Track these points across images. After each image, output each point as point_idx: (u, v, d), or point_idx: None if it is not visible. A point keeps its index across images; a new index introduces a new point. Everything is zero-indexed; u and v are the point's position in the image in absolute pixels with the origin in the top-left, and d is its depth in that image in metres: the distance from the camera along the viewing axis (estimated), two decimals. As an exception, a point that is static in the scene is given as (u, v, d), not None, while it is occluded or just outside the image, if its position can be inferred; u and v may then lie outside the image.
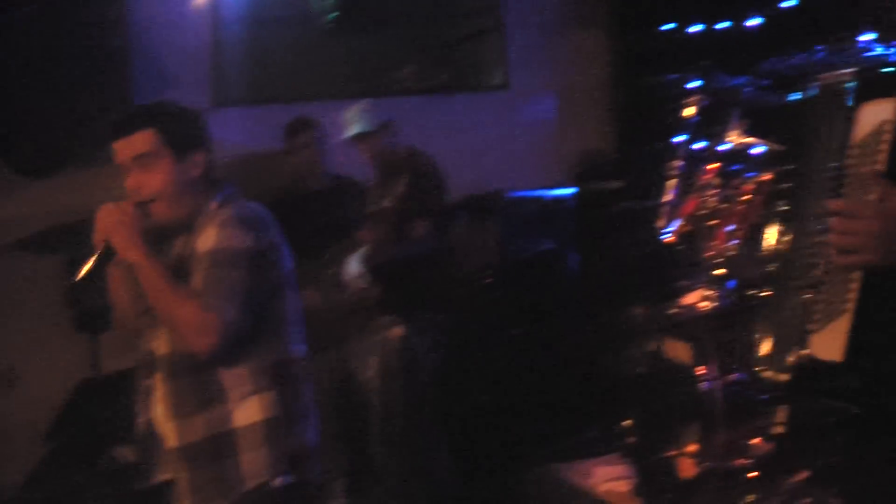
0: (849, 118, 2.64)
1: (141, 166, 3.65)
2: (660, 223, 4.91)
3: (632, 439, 4.85)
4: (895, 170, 2.55)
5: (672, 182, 4.90)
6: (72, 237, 6.69)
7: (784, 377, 2.74)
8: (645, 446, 4.75)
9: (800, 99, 2.85)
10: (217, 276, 3.53)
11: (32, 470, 6.13)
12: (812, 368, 2.66)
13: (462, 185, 8.18)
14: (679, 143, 5.12)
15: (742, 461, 4.22)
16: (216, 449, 3.60)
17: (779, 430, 3.93)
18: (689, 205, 4.77)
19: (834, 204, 2.58)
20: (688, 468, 4.43)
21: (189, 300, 3.49)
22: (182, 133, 3.72)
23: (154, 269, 3.53)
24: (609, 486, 5.39)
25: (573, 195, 8.00)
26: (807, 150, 2.77)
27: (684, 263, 4.92)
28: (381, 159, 6.40)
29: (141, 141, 3.66)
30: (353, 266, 6.41)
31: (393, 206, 6.21)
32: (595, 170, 7.82)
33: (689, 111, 4.87)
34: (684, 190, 4.84)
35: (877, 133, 2.57)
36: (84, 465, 6.11)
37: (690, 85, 4.96)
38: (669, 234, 4.83)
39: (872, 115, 2.59)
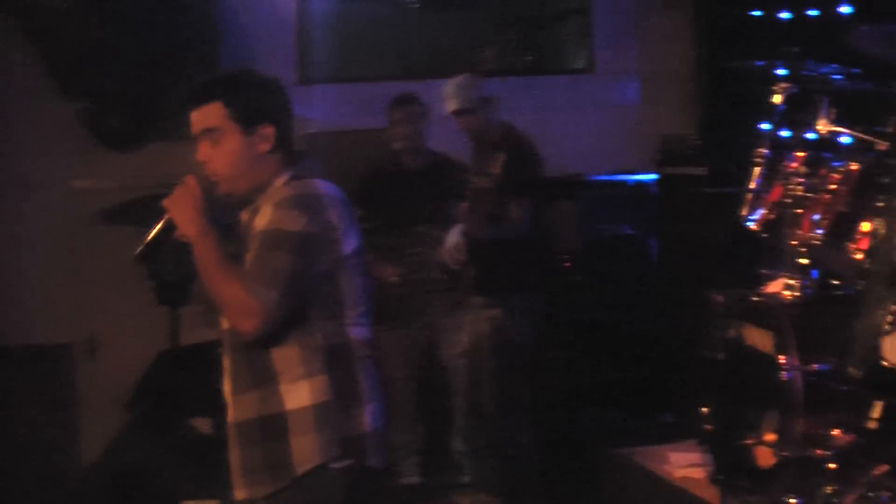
0: None
1: (210, 138, 3.64)
2: (743, 210, 4.86)
3: (709, 426, 4.81)
4: None
5: (757, 169, 4.84)
6: (156, 208, 6.80)
7: (857, 374, 2.73)
8: (722, 433, 4.71)
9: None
10: (264, 258, 3.49)
11: (113, 438, 6.21)
12: (885, 370, 2.64)
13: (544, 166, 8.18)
14: (765, 131, 5.06)
15: (821, 452, 4.17)
16: (267, 430, 3.59)
17: (871, 424, 3.89)
18: (774, 193, 4.72)
19: None
20: (765, 457, 4.38)
21: (235, 281, 3.46)
22: (250, 106, 3.64)
23: (208, 246, 3.51)
24: (684, 472, 5.36)
25: (655, 180, 7.97)
26: None
27: (767, 251, 4.87)
28: (479, 136, 6.36)
29: (209, 112, 3.63)
30: (449, 244, 6.41)
31: (489, 185, 6.20)
32: (678, 155, 7.76)
33: (776, 98, 4.81)
34: (769, 178, 4.79)
35: None
36: (163, 435, 6.18)
37: (778, 72, 4.88)
38: (753, 222, 4.79)
39: None
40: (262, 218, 3.57)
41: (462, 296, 6.54)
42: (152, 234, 3.64)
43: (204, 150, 3.65)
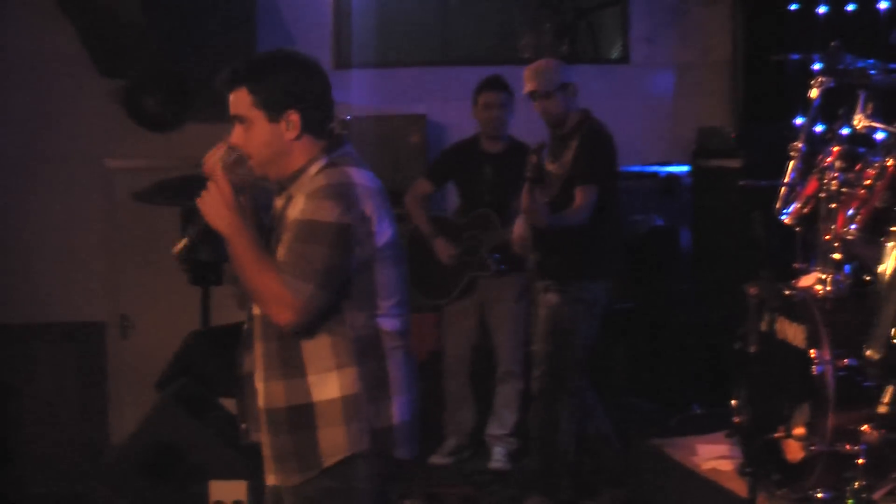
0: None
1: (241, 123, 3.59)
2: (778, 204, 4.85)
3: (739, 418, 4.80)
4: None
5: (792, 163, 4.83)
6: (190, 190, 6.83)
7: (877, 356, 2.74)
8: (752, 426, 4.71)
9: None
10: (298, 251, 3.46)
11: (144, 417, 6.24)
12: None
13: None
14: (801, 124, 5.05)
15: (850, 447, 4.16)
16: (295, 420, 3.59)
17: (882, 409, 3.89)
18: (809, 187, 4.71)
19: None
20: (794, 451, 4.38)
21: (270, 275, 3.45)
22: (274, 92, 3.57)
23: (241, 241, 3.49)
24: (713, 464, 5.36)
25: (689, 172, 7.96)
26: None
27: (801, 245, 4.87)
28: (555, 120, 6.37)
29: (238, 98, 3.58)
30: (517, 228, 6.43)
31: (560, 171, 6.20)
32: (713, 147, 7.76)
33: (813, 92, 4.79)
34: (805, 171, 4.78)
35: None
36: (194, 415, 6.21)
37: (815, 65, 4.87)
38: (787, 216, 4.78)
39: None
40: (296, 207, 3.54)
41: (528, 280, 6.56)
42: (190, 236, 3.65)
43: (237, 134, 3.61)
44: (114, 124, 7.93)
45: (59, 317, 8.27)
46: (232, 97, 3.60)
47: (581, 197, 6.14)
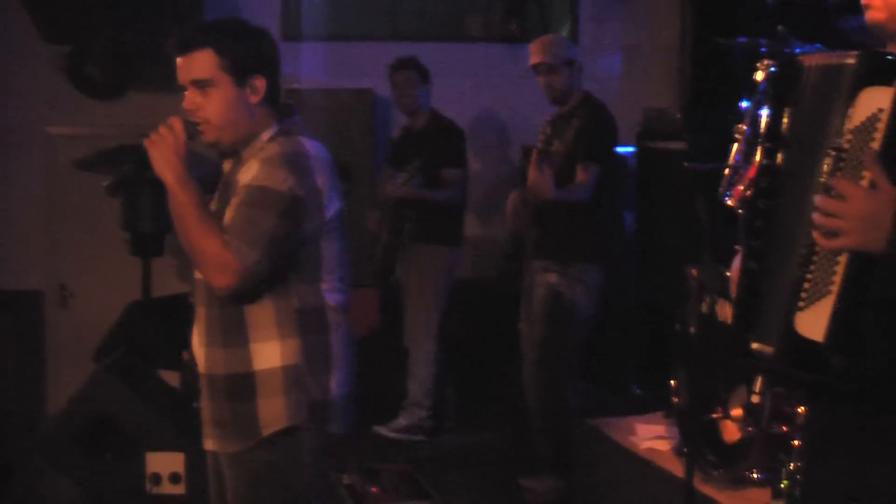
0: (848, 101, 2.63)
1: (198, 86, 3.54)
2: (721, 186, 4.86)
3: (677, 399, 4.83)
4: (890, 160, 2.54)
5: (736, 146, 4.83)
6: (132, 158, 6.77)
7: (769, 350, 2.75)
8: (689, 407, 4.73)
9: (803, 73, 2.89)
10: (247, 216, 3.43)
11: (81, 388, 6.19)
12: (798, 345, 2.67)
13: (525, 135, 8.18)
14: (746, 108, 5.06)
15: (786, 429, 4.19)
16: (235, 388, 3.57)
17: (755, 399, 3.91)
18: (753, 169, 4.72)
19: (832, 183, 2.59)
20: (731, 432, 4.42)
21: (213, 236, 3.40)
22: (243, 56, 3.55)
23: (185, 194, 3.43)
24: (650, 444, 5.38)
25: (633, 153, 7.97)
26: (811, 126, 2.79)
27: (743, 228, 4.88)
28: (557, 96, 6.36)
29: (200, 60, 3.52)
30: (510, 206, 6.43)
31: (561, 148, 6.18)
32: (658, 129, 7.77)
33: (758, 75, 4.80)
34: (748, 154, 4.78)
35: (872, 119, 2.57)
36: (131, 386, 6.16)
37: (762, 50, 4.87)
38: (730, 198, 4.79)
39: (869, 100, 2.59)
40: (248, 172, 3.50)
41: (525, 257, 6.55)
42: (125, 167, 3.61)
43: (192, 99, 3.56)
44: (56, 91, 7.85)
45: (-3, 285, 8.19)
46: (189, 59, 3.54)
47: (583, 174, 6.15)
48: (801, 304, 2.67)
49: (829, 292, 2.62)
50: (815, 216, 2.59)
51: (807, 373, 2.71)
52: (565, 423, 6.26)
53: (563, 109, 6.40)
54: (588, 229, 6.24)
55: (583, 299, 6.27)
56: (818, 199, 2.58)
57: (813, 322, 2.63)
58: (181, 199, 3.46)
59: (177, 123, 3.50)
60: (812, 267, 2.67)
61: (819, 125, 2.73)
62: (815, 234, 2.61)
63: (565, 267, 6.26)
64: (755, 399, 3.84)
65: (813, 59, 2.89)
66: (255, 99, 3.57)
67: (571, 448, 6.21)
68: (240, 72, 3.55)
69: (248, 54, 3.57)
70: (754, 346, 2.78)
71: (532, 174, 6.11)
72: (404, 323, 7.49)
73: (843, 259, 2.60)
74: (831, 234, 2.57)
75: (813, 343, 2.63)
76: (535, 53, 6.42)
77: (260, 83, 3.57)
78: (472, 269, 8.24)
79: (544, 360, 6.31)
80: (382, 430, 7.31)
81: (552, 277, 6.28)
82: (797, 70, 2.92)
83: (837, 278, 2.61)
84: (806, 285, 2.67)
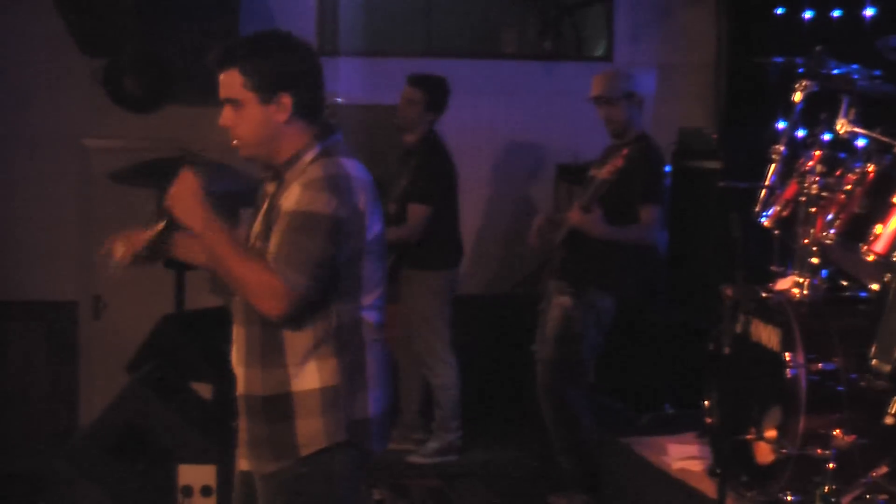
0: None
1: (231, 104, 3.56)
2: (757, 206, 4.85)
3: (710, 419, 4.81)
4: None
5: (773, 166, 4.83)
6: (168, 171, 6.79)
7: (887, 368, 2.74)
8: (722, 427, 4.71)
9: None
10: (293, 241, 3.43)
11: (114, 398, 6.21)
12: None
13: (558, 153, 8.18)
14: (783, 128, 5.04)
15: (820, 451, 4.16)
16: (273, 409, 3.57)
17: (889, 420, 3.88)
18: (789, 190, 4.71)
19: None
20: (765, 453, 4.39)
21: (257, 265, 3.42)
22: (266, 74, 3.52)
23: (217, 237, 3.46)
24: (683, 464, 5.36)
25: (669, 172, 7.95)
26: None
27: (779, 248, 4.87)
28: (615, 128, 6.39)
29: (228, 79, 3.54)
30: (534, 226, 6.45)
31: (604, 178, 6.16)
32: (694, 148, 7.75)
33: (796, 96, 4.79)
34: (785, 175, 4.78)
35: None
36: (164, 398, 6.18)
37: (799, 70, 4.86)
38: (766, 218, 4.78)
39: None
40: (290, 196, 3.49)
41: (548, 277, 6.55)
42: (154, 235, 3.64)
43: (227, 115, 3.58)
44: (93, 104, 7.89)
45: (32, 295, 8.22)
46: (223, 78, 3.57)
47: (648, 216, 6.17)
48: None
49: None
50: None
51: None
52: (583, 441, 6.26)
53: (617, 142, 6.40)
54: (612, 258, 6.24)
55: (592, 325, 6.29)
56: None
57: None
58: (214, 242, 3.48)
59: (187, 174, 3.52)
60: None
61: None
62: None
63: (582, 292, 6.26)
64: (889, 421, 3.84)
65: None
66: (282, 117, 3.56)
67: (595, 464, 6.20)
68: (264, 90, 3.54)
69: (272, 72, 3.55)
70: (874, 363, 2.76)
71: (576, 211, 6.14)
72: (415, 351, 7.45)
73: None
74: None
75: None
76: (595, 86, 6.45)
77: (286, 101, 3.55)
78: (502, 284, 8.25)
79: (553, 381, 6.32)
80: (416, 458, 7.27)
81: (567, 301, 6.29)
82: None
83: None
84: None
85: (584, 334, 6.27)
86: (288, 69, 3.58)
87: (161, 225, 3.64)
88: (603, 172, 6.17)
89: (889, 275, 4.01)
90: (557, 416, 6.34)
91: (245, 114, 3.56)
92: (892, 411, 3.79)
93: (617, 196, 6.16)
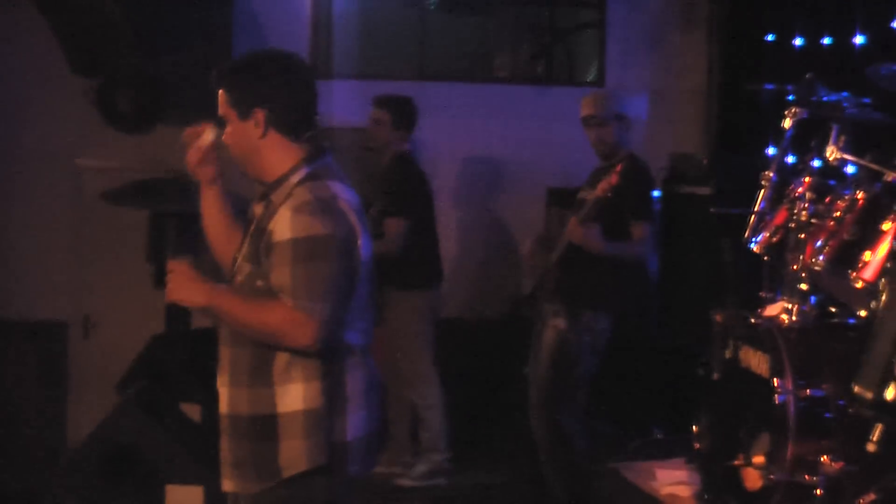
0: None
1: (227, 122, 3.65)
2: (747, 232, 4.87)
3: (699, 445, 4.81)
4: None
5: (763, 192, 4.84)
6: (160, 192, 6.81)
7: (869, 395, 2.76)
8: (711, 453, 4.71)
9: None
10: (305, 271, 3.45)
11: (103, 418, 6.21)
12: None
13: (549, 177, 8.20)
14: (773, 154, 5.06)
15: (809, 478, 4.17)
16: (257, 429, 3.58)
17: (871, 447, 3.89)
18: (779, 216, 4.72)
19: None
20: (753, 479, 4.38)
21: (276, 307, 3.44)
22: (243, 90, 3.60)
23: (224, 300, 3.51)
24: (671, 489, 5.35)
25: (659, 197, 7.98)
26: None
27: (768, 274, 4.88)
28: (604, 150, 6.40)
29: (220, 98, 3.64)
30: (525, 249, 6.47)
31: (599, 195, 6.18)
32: (684, 174, 7.78)
33: (786, 122, 4.81)
34: (775, 201, 4.79)
35: None
36: (153, 419, 6.17)
37: (790, 97, 4.89)
38: (756, 244, 4.79)
39: None
40: (282, 222, 3.50)
41: (542, 299, 6.54)
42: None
43: (226, 132, 3.67)
44: (85, 124, 7.88)
45: (21, 314, 8.21)
46: (219, 97, 3.66)
47: (640, 233, 6.18)
48: None
49: None
50: None
51: None
52: (572, 464, 6.26)
53: (605, 164, 6.41)
54: (607, 279, 6.25)
55: (587, 348, 6.29)
56: None
57: None
58: (224, 309, 3.52)
59: (175, 265, 3.54)
60: None
61: None
62: None
63: (577, 314, 6.27)
64: (871, 448, 3.84)
65: None
66: (257, 132, 3.60)
67: (583, 488, 6.20)
68: (241, 105, 3.61)
69: (248, 88, 3.61)
70: (856, 389, 2.78)
71: (575, 228, 6.14)
72: (400, 373, 7.45)
73: None
74: None
75: None
76: (585, 106, 6.46)
77: (260, 116, 3.59)
78: (493, 307, 8.25)
79: (547, 403, 6.32)
80: (404, 482, 7.26)
81: (561, 323, 6.30)
82: None
83: None
84: None
85: (579, 356, 6.27)
86: (263, 85, 3.62)
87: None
88: (598, 190, 6.16)
89: (874, 302, 4.02)
90: (551, 439, 6.34)
91: (229, 130, 3.65)
92: (875, 438, 3.80)
93: (609, 214, 6.17)
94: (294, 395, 3.54)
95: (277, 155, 3.63)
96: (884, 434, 3.66)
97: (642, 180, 6.35)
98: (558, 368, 6.29)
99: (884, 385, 3.65)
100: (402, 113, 7.35)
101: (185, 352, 6.86)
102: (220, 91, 3.64)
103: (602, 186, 6.11)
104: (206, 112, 3.72)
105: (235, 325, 3.55)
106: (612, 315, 6.32)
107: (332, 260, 3.47)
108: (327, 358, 3.56)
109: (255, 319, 3.49)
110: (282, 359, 3.54)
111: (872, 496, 4.16)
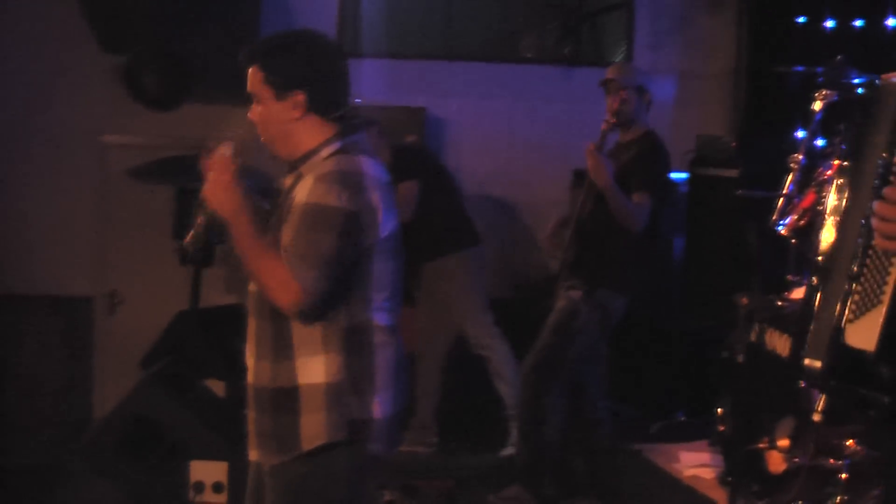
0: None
1: (256, 101, 3.63)
2: (774, 215, 4.84)
3: (722, 427, 4.80)
4: None
5: (791, 175, 4.82)
6: (187, 169, 6.82)
7: (818, 364, 2.76)
8: (734, 436, 4.71)
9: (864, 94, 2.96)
10: (306, 237, 3.46)
11: (128, 394, 6.23)
12: (847, 357, 2.69)
13: (575, 158, 8.17)
14: (802, 137, 5.04)
15: (833, 462, 4.16)
16: (279, 401, 3.59)
17: (816, 417, 3.85)
18: (807, 199, 4.70)
19: (885, 192, 2.62)
20: (777, 463, 4.38)
21: (274, 259, 3.46)
22: (281, 71, 3.59)
23: (243, 223, 3.51)
24: (694, 472, 5.37)
25: (685, 180, 7.95)
26: (862, 144, 2.85)
27: (795, 258, 4.86)
28: (621, 118, 6.35)
29: (252, 76, 3.62)
30: (549, 227, 6.45)
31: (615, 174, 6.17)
32: (711, 156, 7.74)
33: (816, 105, 4.78)
34: (803, 184, 4.76)
35: None
36: (177, 394, 6.20)
37: (819, 79, 4.85)
38: (783, 227, 4.77)
39: None
40: (303, 189, 3.53)
41: (560, 275, 6.54)
42: (195, 230, 3.69)
43: (253, 111, 3.65)
44: (112, 101, 7.91)
45: (48, 289, 8.25)
46: (249, 75, 3.63)
47: (638, 200, 6.15)
48: (849, 315, 2.68)
49: (879, 302, 2.63)
50: (874, 221, 2.60)
51: (855, 385, 2.71)
52: (552, 435, 6.25)
53: (623, 139, 6.39)
54: (622, 257, 6.23)
55: (597, 324, 6.27)
56: (877, 205, 2.60)
57: (863, 333, 2.64)
58: (239, 230, 3.52)
59: (224, 151, 3.57)
60: (862, 279, 2.68)
61: (873, 140, 2.77)
62: (876, 238, 2.62)
63: (592, 290, 6.25)
64: (817, 418, 3.78)
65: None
66: (296, 113, 3.61)
67: (549, 458, 6.19)
68: (279, 86, 3.60)
69: (288, 69, 3.61)
70: (806, 361, 2.79)
71: (591, 161, 6.11)
72: (441, 352, 7.46)
73: (894, 269, 2.61)
74: (889, 237, 2.58)
75: (862, 354, 2.63)
76: (609, 72, 6.44)
77: (300, 98, 3.59)
78: (517, 289, 8.25)
79: (538, 366, 6.29)
80: (507, 452, 7.22)
81: (576, 294, 6.29)
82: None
83: (889, 288, 2.61)
84: (856, 297, 2.69)
85: (583, 329, 6.25)
86: (303, 67, 3.62)
87: (201, 219, 3.66)
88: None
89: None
90: (529, 403, 6.31)
91: (262, 109, 3.63)
92: (819, 408, 3.75)
93: (620, 184, 6.16)
94: (315, 369, 3.55)
95: (310, 133, 3.64)
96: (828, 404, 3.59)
97: (654, 157, 6.29)
98: (559, 334, 6.25)
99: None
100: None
101: (209, 328, 6.88)
102: (253, 69, 3.62)
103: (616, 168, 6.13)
104: (234, 89, 3.72)
105: (241, 257, 3.54)
106: (625, 295, 6.29)
107: (335, 233, 3.46)
108: (351, 334, 3.56)
109: (255, 261, 3.50)
110: (303, 331, 3.55)
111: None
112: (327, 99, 3.65)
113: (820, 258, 3.00)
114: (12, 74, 8.13)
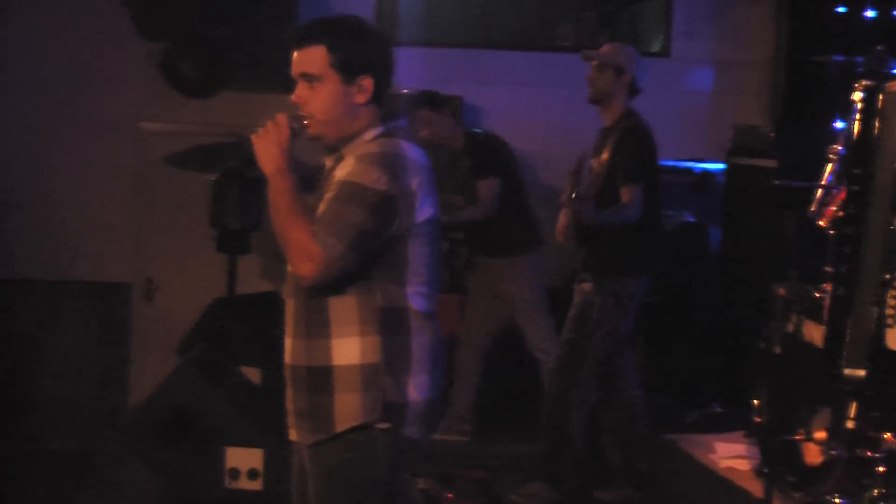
0: None
1: (307, 80, 3.62)
2: (812, 206, 4.81)
3: (759, 419, 4.78)
4: None
5: (830, 166, 4.78)
6: (224, 156, 6.84)
7: (861, 373, 2.74)
8: (770, 427, 4.68)
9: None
10: (336, 210, 3.48)
11: (164, 380, 6.25)
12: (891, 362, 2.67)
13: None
14: (841, 128, 5.00)
15: (870, 454, 4.13)
16: (314, 380, 3.61)
17: (850, 424, 3.83)
18: (845, 190, 4.66)
19: None
20: (813, 454, 4.36)
21: (303, 226, 3.47)
22: (353, 55, 3.60)
23: (283, 185, 3.53)
24: (730, 463, 5.34)
25: (723, 170, 7.92)
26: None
27: (833, 248, 4.82)
28: (596, 95, 6.34)
29: (312, 55, 3.60)
30: (560, 224, 6.45)
31: (600, 168, 6.18)
32: (749, 146, 7.70)
33: (855, 95, 4.74)
34: (842, 175, 4.73)
35: None
36: (212, 381, 6.22)
37: (859, 69, 4.82)
38: (821, 218, 4.74)
39: None
40: (344, 168, 3.56)
41: (575, 269, 6.55)
42: (232, 165, 3.69)
43: (300, 92, 3.64)
44: (150, 87, 7.94)
45: (85, 275, 8.31)
46: (303, 54, 3.62)
47: (627, 196, 6.13)
48: (889, 321, 2.66)
49: None
50: None
51: None
52: (565, 424, 6.25)
53: (605, 125, 6.38)
54: (625, 244, 6.22)
55: (613, 311, 6.25)
56: None
57: None
58: (277, 187, 3.54)
59: (282, 119, 3.58)
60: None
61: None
62: None
63: (601, 279, 6.25)
64: (850, 425, 3.76)
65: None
66: (361, 98, 3.63)
67: (571, 453, 6.20)
68: (349, 70, 3.60)
69: (359, 54, 3.62)
70: (846, 371, 2.76)
71: (570, 213, 6.16)
72: (481, 345, 7.47)
73: None
74: None
75: None
76: (600, 48, 6.44)
77: (368, 83, 3.62)
78: (553, 279, 8.24)
79: (562, 361, 6.30)
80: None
81: (588, 286, 6.29)
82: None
83: None
84: (892, 302, 2.67)
85: (600, 320, 6.24)
86: (373, 52, 3.66)
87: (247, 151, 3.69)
88: (596, 164, 6.23)
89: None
90: (555, 397, 6.32)
91: (322, 91, 3.62)
92: (852, 415, 3.72)
93: (608, 181, 6.18)
94: (350, 349, 3.57)
95: (363, 119, 3.66)
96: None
97: (633, 143, 6.27)
98: (578, 328, 6.28)
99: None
100: (440, 103, 7.37)
101: (245, 315, 6.90)
102: (316, 49, 3.60)
103: (599, 162, 6.15)
104: (270, 77, 3.71)
105: (273, 216, 3.56)
106: (636, 276, 6.28)
107: (366, 210, 3.48)
108: (388, 316, 3.57)
109: (286, 226, 3.51)
110: (339, 311, 3.57)
111: None
112: (385, 86, 3.69)
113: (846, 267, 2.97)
114: (51, 61, 8.17)
